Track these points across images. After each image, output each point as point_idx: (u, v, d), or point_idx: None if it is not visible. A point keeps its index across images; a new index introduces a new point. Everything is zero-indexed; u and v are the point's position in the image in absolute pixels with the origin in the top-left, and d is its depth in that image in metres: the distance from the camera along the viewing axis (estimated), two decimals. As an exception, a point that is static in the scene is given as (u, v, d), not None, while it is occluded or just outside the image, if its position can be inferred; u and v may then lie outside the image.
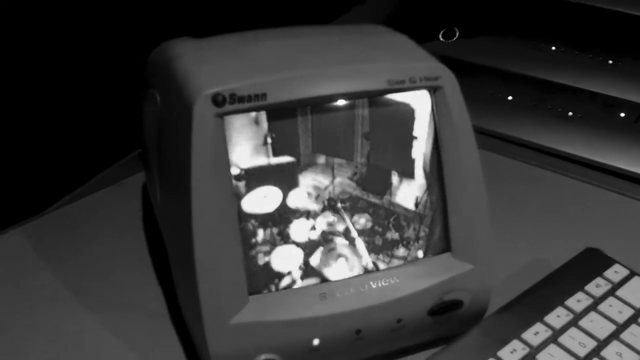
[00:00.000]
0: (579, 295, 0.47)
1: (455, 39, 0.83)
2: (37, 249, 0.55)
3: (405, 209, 0.43)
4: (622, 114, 0.69)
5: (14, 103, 0.58)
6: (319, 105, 0.41)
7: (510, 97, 0.74)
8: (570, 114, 0.71)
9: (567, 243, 0.53)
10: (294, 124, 0.41)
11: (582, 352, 0.43)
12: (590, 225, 0.58)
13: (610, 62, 0.74)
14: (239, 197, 0.40)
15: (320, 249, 0.42)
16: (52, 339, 0.47)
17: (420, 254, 0.44)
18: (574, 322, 0.45)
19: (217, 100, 0.38)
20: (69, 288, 0.51)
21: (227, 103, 0.38)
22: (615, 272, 0.49)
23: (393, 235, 0.43)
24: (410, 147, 0.43)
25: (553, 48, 0.78)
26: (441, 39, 0.83)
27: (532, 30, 0.79)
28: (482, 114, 0.72)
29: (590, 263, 0.50)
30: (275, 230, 0.41)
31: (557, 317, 0.45)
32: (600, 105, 0.71)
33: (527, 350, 0.42)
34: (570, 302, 0.46)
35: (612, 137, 0.68)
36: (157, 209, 0.49)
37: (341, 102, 0.41)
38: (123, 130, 0.61)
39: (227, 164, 0.39)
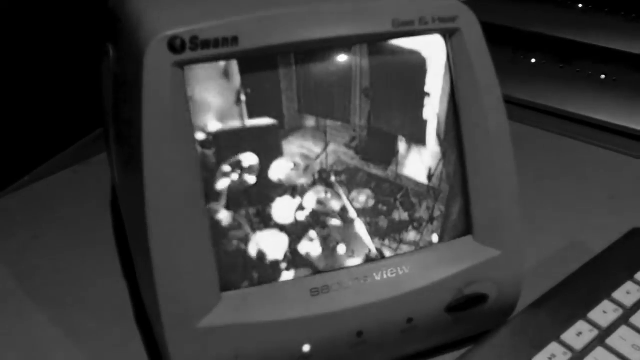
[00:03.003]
0: (628, 285, 0.40)
1: (470, -1, 0.76)
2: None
3: (416, 183, 0.37)
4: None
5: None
6: (306, 53, 0.34)
7: (533, 60, 0.69)
8: (603, 77, 0.65)
9: (608, 223, 0.48)
10: (274, 77, 0.34)
11: (636, 357, 0.36)
12: (634, 202, 0.52)
13: (645, 19, 0.68)
14: (206, 169, 0.33)
15: (311, 233, 0.35)
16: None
17: (435, 238, 0.37)
18: (624, 319, 0.38)
19: (175, 45, 0.31)
20: (22, 280, 0.45)
21: (188, 49, 0.31)
22: (670, 257, 0.42)
23: (401, 215, 0.37)
24: (420, 106, 0.37)
25: (580, 6, 0.72)
26: (455, -1, 0.76)
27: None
28: (503, 79, 0.66)
29: (638, 246, 0.44)
30: (252, 210, 0.34)
31: (604, 313, 0.39)
32: (637, 69, 0.64)
33: (569, 355, 0.36)
34: (618, 294, 0.40)
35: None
36: (118, 190, 0.42)
37: (334, 49, 0.35)
38: (90, 103, 0.56)
39: (189, 127, 0.32)
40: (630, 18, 0.69)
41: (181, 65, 0.32)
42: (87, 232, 0.49)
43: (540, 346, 0.36)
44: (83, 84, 0.57)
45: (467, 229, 0.38)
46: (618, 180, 0.55)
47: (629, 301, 0.39)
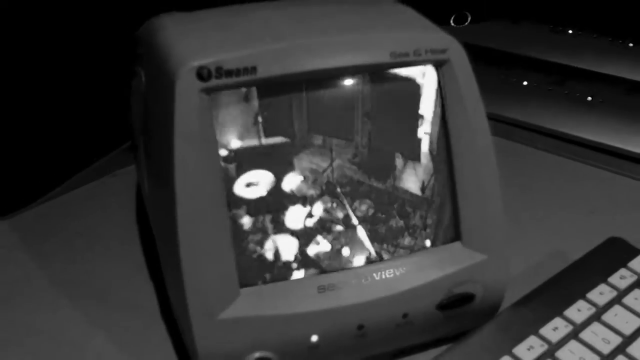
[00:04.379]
0: (602, 287, 0.43)
1: (467, 24, 0.80)
2: (25, 242, 0.52)
3: (411, 194, 0.40)
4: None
5: (4, 91, 0.55)
6: (315, 80, 0.38)
7: (525, 82, 0.72)
8: (590, 98, 0.68)
9: (588, 234, 0.50)
10: (287, 101, 0.38)
11: (606, 349, 0.39)
12: (613, 215, 0.55)
13: (631, 45, 0.71)
14: (228, 181, 0.37)
15: (318, 237, 0.39)
16: (35, 336, 0.44)
17: (427, 242, 0.41)
18: (596, 317, 0.41)
19: (202, 74, 0.35)
20: (55, 283, 0.48)
21: (214, 77, 0.35)
22: (641, 263, 0.45)
23: (398, 222, 0.40)
24: (415, 127, 0.40)
25: (570, 32, 0.75)
26: (452, 24, 0.80)
27: (547, 13, 0.76)
28: (495, 100, 0.69)
29: (614, 253, 0.46)
30: (268, 217, 0.38)
31: (578, 311, 0.42)
32: (622, 90, 0.68)
33: (545, 347, 0.39)
34: (593, 294, 0.43)
35: (634, 122, 0.65)
36: (146, 199, 0.46)
37: (339, 77, 0.38)
38: (118, 119, 0.59)
39: (214, 144, 0.36)
40: (617, 43, 0.72)
41: (208, 91, 0.35)
42: (115, 238, 0.52)
43: (520, 338, 0.39)
44: (111, 101, 0.60)
45: (456, 235, 0.41)
46: (600, 196, 0.57)
47: (601, 301, 0.42)
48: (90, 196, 0.57)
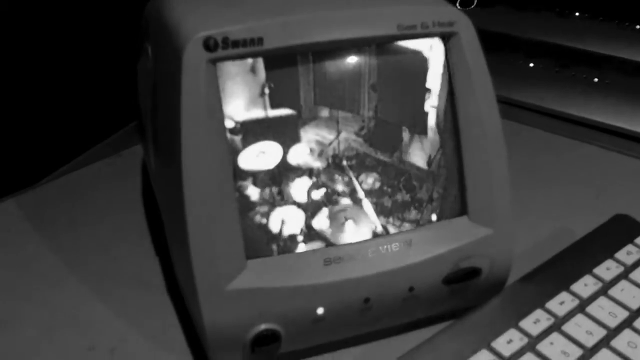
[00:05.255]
0: (609, 263, 0.43)
1: (472, 6, 0.79)
2: (32, 220, 0.52)
3: (417, 168, 0.40)
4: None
5: (11, 69, 0.56)
6: (322, 52, 0.38)
7: (531, 64, 0.71)
8: (596, 80, 0.68)
9: (595, 213, 0.50)
10: (294, 73, 0.37)
11: (612, 323, 0.39)
12: (619, 194, 0.55)
13: (638, 27, 0.71)
14: (234, 152, 0.37)
15: (324, 210, 0.39)
16: (46, 312, 0.44)
17: (434, 217, 0.41)
18: (603, 291, 0.41)
19: (209, 45, 0.35)
20: (63, 260, 0.49)
21: (220, 48, 0.35)
22: (648, 239, 0.45)
23: (404, 196, 0.40)
24: (422, 100, 0.40)
25: (577, 14, 0.75)
26: (458, 7, 0.79)
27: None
28: (502, 82, 0.68)
29: (620, 229, 0.47)
30: (274, 189, 0.38)
31: (585, 285, 0.42)
32: (628, 72, 0.67)
33: (552, 320, 0.39)
34: (599, 270, 0.43)
35: (640, 103, 0.64)
36: (152, 175, 0.46)
37: (346, 49, 0.38)
38: (124, 98, 0.59)
39: (220, 115, 0.36)
40: (623, 26, 0.71)
41: (214, 62, 0.35)
42: (120, 217, 0.52)
43: (526, 312, 0.39)
44: (113, 85, 0.60)
45: (462, 209, 0.41)
46: (606, 175, 0.57)
47: (608, 276, 0.42)
48: (95, 175, 0.58)
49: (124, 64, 0.56)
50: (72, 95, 0.59)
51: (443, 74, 0.40)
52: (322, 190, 0.39)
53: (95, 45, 0.59)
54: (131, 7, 0.55)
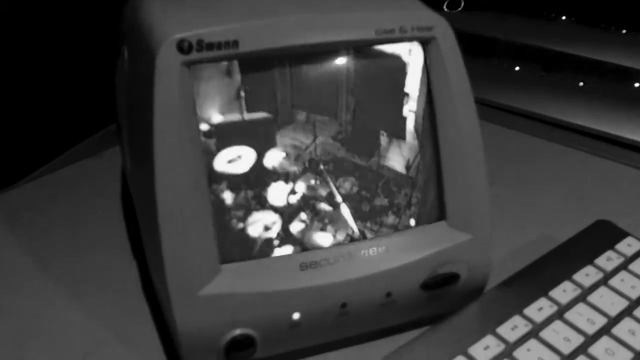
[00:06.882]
0: (588, 269, 0.43)
1: (459, 9, 0.79)
2: (9, 221, 0.52)
3: (395, 173, 0.40)
4: (637, 84, 0.66)
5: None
6: (299, 56, 0.37)
7: (517, 68, 0.72)
8: (581, 84, 0.68)
9: (576, 218, 0.49)
10: (270, 77, 0.37)
11: (590, 330, 0.39)
12: (601, 199, 0.55)
13: (624, 32, 0.71)
14: (209, 155, 0.37)
15: (301, 214, 0.38)
16: (18, 315, 0.44)
17: (412, 222, 0.40)
18: (582, 298, 0.41)
19: (183, 47, 0.35)
20: (39, 262, 0.48)
21: (194, 50, 0.35)
22: (628, 245, 0.45)
23: (382, 201, 0.40)
24: (400, 104, 0.40)
25: (563, 18, 0.75)
26: (445, 10, 0.79)
27: (540, 3, 0.75)
28: (487, 86, 0.69)
29: (601, 235, 0.46)
30: (250, 193, 0.37)
31: (564, 291, 0.41)
32: (613, 77, 0.68)
33: (529, 326, 0.39)
34: (578, 276, 0.43)
35: (625, 109, 0.65)
36: (129, 177, 0.46)
37: (324, 53, 0.38)
38: (103, 100, 0.58)
39: (195, 118, 0.36)
40: (608, 30, 0.71)
41: (188, 64, 0.35)
42: (99, 218, 0.51)
43: (504, 318, 0.39)
44: (95, 85, 0.59)
45: (441, 214, 0.41)
46: (588, 180, 0.57)
47: (587, 282, 0.42)
48: (75, 176, 0.57)
49: (105, 64, 0.55)
50: (53, 94, 0.59)
51: (422, 79, 0.40)
52: (299, 195, 0.38)
53: (76, 45, 0.59)
54: (111, 7, 0.54)
